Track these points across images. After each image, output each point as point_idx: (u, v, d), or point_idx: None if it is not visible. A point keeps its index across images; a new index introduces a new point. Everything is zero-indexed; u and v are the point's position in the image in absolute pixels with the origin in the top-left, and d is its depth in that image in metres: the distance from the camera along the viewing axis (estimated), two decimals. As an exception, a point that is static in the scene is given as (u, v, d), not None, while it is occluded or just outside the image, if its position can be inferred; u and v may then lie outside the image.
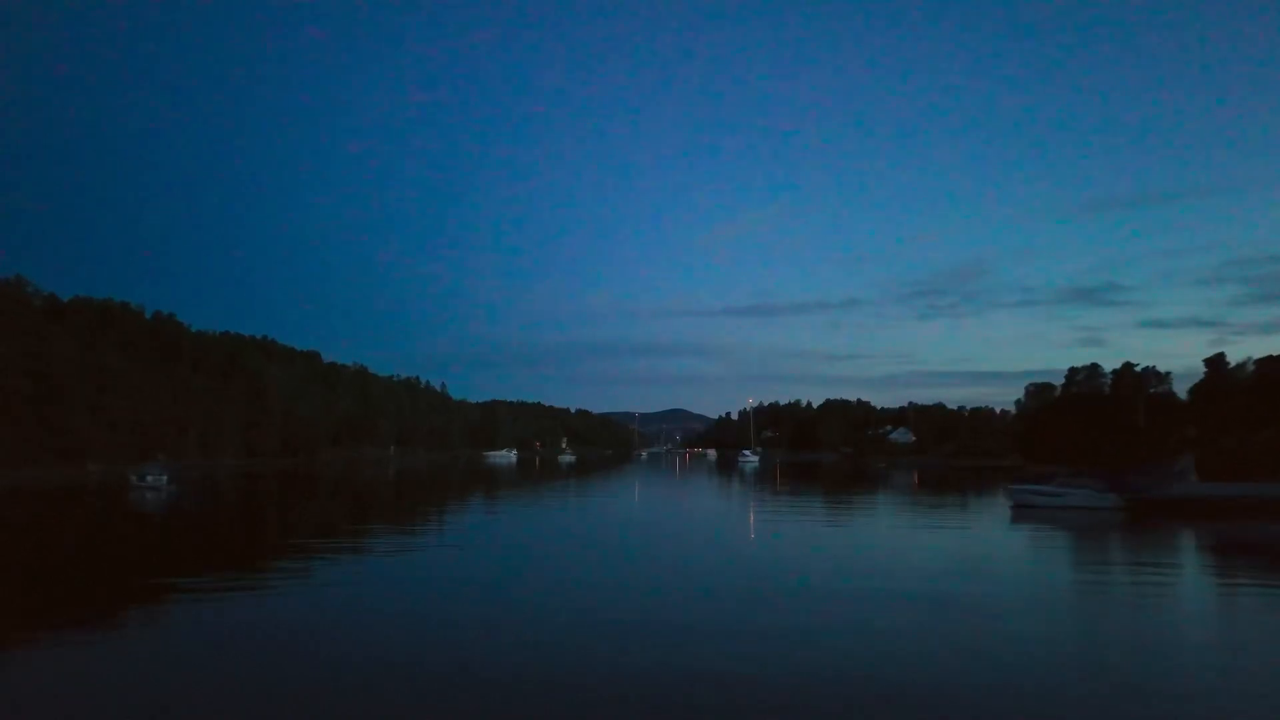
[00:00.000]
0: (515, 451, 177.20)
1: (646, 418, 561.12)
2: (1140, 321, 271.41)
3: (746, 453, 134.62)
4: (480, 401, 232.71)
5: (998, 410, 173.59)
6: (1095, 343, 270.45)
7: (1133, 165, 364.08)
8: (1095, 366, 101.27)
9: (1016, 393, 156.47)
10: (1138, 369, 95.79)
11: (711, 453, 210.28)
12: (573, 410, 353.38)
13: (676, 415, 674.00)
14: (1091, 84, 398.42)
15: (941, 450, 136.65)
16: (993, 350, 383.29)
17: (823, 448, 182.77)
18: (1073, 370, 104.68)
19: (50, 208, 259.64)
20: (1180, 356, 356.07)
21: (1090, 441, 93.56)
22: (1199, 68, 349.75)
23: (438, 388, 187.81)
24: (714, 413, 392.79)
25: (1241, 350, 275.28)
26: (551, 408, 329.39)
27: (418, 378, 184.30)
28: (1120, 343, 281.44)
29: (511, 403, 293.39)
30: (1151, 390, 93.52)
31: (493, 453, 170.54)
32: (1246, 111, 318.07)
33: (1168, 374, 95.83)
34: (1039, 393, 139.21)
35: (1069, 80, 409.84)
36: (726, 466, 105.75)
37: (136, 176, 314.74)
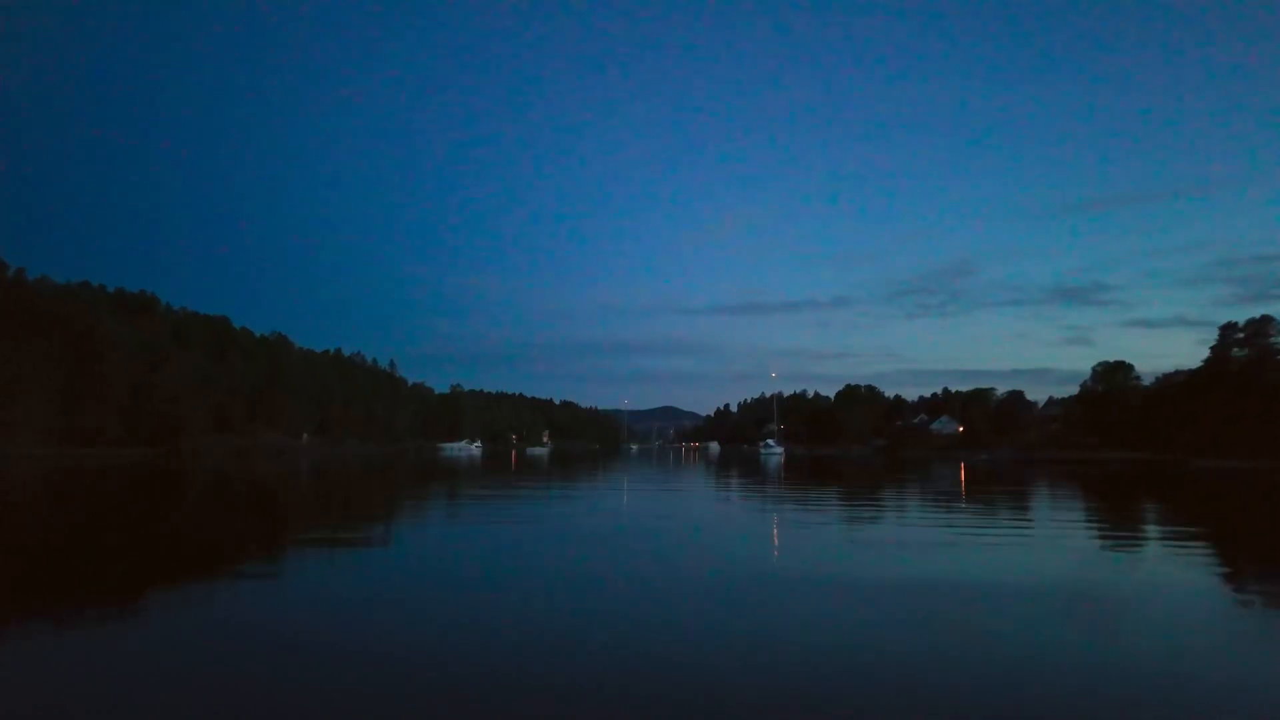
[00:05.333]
0: (479, 444, 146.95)
1: (637, 415, 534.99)
2: (1127, 321, 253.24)
3: (771, 443, 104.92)
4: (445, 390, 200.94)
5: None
6: (1083, 342, 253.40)
7: (1119, 166, 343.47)
8: (1268, 319, 71.96)
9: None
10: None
11: (714, 445, 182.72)
12: (557, 402, 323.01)
13: (667, 413, 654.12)
14: (1078, 85, 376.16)
15: (1013, 442, 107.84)
16: (980, 349, 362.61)
17: (845, 440, 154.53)
18: (1228, 328, 75.29)
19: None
20: (1166, 356, 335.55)
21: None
22: (1185, 69, 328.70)
23: (385, 366, 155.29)
24: (704, 410, 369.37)
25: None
26: (534, 399, 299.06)
27: (360, 353, 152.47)
28: (1107, 342, 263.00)
29: (489, 392, 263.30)
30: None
31: (450, 445, 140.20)
32: (1232, 112, 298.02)
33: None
34: (1108, 374, 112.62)
35: (1056, 81, 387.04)
36: (742, 462, 74.77)
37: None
